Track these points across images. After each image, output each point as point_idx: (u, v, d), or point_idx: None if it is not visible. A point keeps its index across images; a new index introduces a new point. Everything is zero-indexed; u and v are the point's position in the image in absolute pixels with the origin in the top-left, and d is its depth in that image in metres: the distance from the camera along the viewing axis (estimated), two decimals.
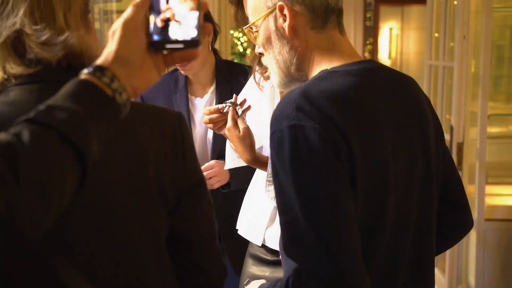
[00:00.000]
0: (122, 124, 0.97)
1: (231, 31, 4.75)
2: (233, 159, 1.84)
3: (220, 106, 1.72)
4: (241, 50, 5.05)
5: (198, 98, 2.26)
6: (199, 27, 0.81)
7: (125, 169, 0.96)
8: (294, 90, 1.08)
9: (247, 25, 1.26)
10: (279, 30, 1.18)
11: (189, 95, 2.26)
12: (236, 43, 5.07)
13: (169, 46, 0.82)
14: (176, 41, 0.82)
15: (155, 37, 0.81)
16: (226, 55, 3.88)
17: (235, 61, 4.84)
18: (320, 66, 1.16)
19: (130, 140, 0.98)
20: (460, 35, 3.09)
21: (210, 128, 1.76)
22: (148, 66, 0.82)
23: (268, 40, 1.20)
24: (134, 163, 0.97)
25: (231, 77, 2.24)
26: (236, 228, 1.92)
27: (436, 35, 3.58)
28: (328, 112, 1.03)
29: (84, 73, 0.78)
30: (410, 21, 7.20)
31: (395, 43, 7.22)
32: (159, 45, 0.82)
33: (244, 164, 1.77)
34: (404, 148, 1.14)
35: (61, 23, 0.93)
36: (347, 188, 1.03)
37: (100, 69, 0.78)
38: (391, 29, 7.19)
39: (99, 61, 0.79)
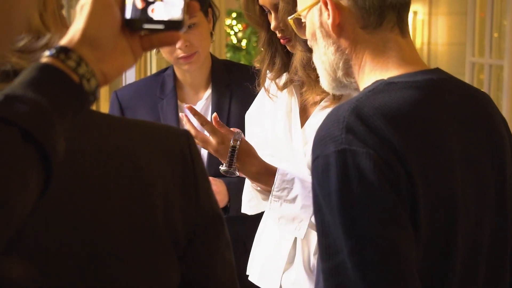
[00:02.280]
0: (121, 148, 0.98)
1: (228, 21, 4.69)
2: (259, 203, 1.86)
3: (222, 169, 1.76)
4: (235, 41, 4.94)
5: None
6: (184, 6, 0.84)
7: (127, 205, 0.96)
8: (343, 106, 1.09)
9: (292, 15, 1.29)
10: (323, 26, 1.20)
11: (179, 102, 2.26)
12: (229, 32, 4.97)
13: (147, 26, 0.84)
14: (156, 21, 0.84)
15: (131, 15, 0.84)
16: (220, 48, 3.88)
17: (228, 55, 4.81)
18: (373, 75, 1.18)
19: (132, 169, 0.98)
20: None
21: None
22: (121, 48, 0.84)
23: (314, 36, 1.23)
24: (137, 197, 0.97)
25: (230, 80, 2.25)
26: (246, 274, 1.92)
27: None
28: (385, 135, 1.05)
29: (46, 56, 0.79)
30: (440, 5, 7.25)
31: (421, 31, 7.26)
32: (135, 24, 0.84)
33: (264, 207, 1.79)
34: (475, 180, 1.16)
35: (37, 25, 0.93)
36: (407, 229, 1.05)
37: (65, 51, 0.79)
38: (415, 13, 7.24)
39: (64, 41, 0.81)
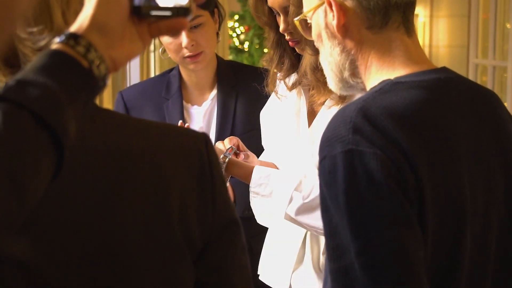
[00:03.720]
0: (140, 149, 0.98)
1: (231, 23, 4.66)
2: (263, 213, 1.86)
3: None
4: (237, 43, 4.90)
5: (195, 107, 2.27)
6: None
7: (143, 206, 0.96)
8: (350, 106, 1.09)
9: (298, 17, 1.29)
10: (329, 27, 1.20)
11: (184, 103, 2.26)
12: (231, 35, 4.94)
13: (154, 13, 0.86)
14: (163, 8, 0.86)
15: (139, 2, 0.85)
16: (223, 50, 3.88)
17: (230, 57, 4.79)
18: (380, 75, 1.17)
19: (149, 170, 0.97)
20: None
21: None
22: (130, 35, 0.86)
23: (319, 37, 1.23)
24: (153, 198, 0.97)
25: (236, 81, 2.25)
26: (257, 273, 1.92)
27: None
28: (393, 135, 1.04)
29: (56, 43, 0.80)
30: (441, 7, 7.26)
31: (422, 33, 7.27)
32: (143, 11, 0.86)
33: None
34: (483, 180, 1.15)
35: (59, 24, 0.94)
36: (415, 229, 1.04)
37: (74, 37, 0.80)
38: (416, 16, 7.24)
39: (73, 28, 0.82)
